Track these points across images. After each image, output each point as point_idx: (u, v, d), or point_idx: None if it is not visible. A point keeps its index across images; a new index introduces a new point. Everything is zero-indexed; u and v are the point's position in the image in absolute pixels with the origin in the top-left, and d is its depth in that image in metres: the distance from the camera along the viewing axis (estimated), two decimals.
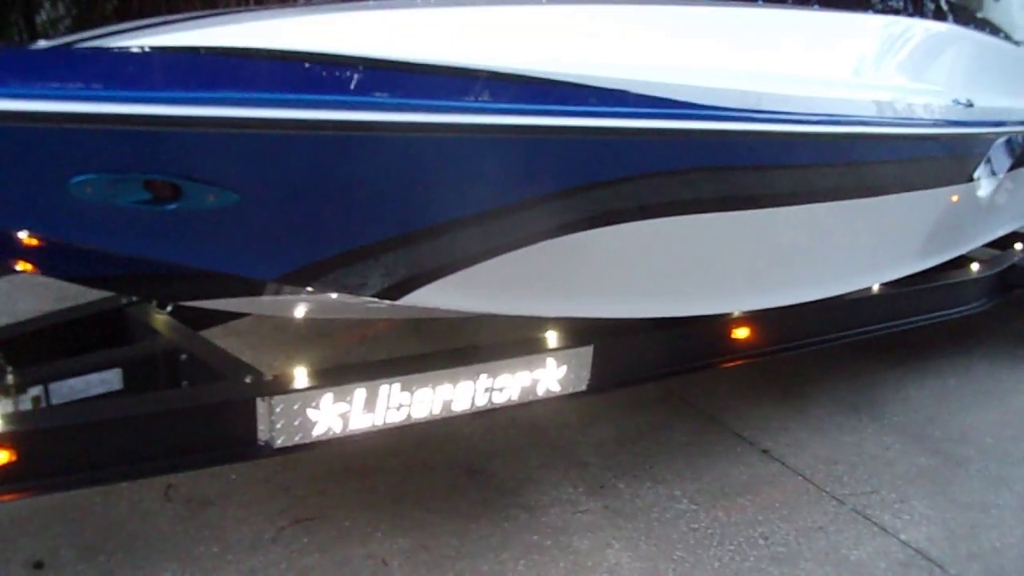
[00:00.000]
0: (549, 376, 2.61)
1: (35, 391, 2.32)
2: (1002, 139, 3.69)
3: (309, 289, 1.95)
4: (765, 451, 3.38)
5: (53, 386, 2.36)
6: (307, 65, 1.63)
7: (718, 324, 2.99)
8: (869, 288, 3.43)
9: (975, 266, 3.93)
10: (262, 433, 2.26)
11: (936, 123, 3.07)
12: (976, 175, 3.53)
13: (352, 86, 1.63)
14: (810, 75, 2.80)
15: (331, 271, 1.88)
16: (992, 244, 4.26)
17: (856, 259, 3.22)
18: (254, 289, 2.03)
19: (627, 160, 2.18)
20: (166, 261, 1.71)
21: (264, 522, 2.73)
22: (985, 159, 3.55)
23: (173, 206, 1.58)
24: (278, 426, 2.26)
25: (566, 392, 2.66)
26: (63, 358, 2.47)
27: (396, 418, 2.39)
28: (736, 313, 3.00)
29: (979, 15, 5.73)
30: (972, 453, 3.49)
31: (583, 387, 2.69)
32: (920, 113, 3.07)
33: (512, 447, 3.27)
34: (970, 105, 3.31)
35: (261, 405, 2.24)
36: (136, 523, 2.71)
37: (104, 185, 1.52)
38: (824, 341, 3.47)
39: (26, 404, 2.29)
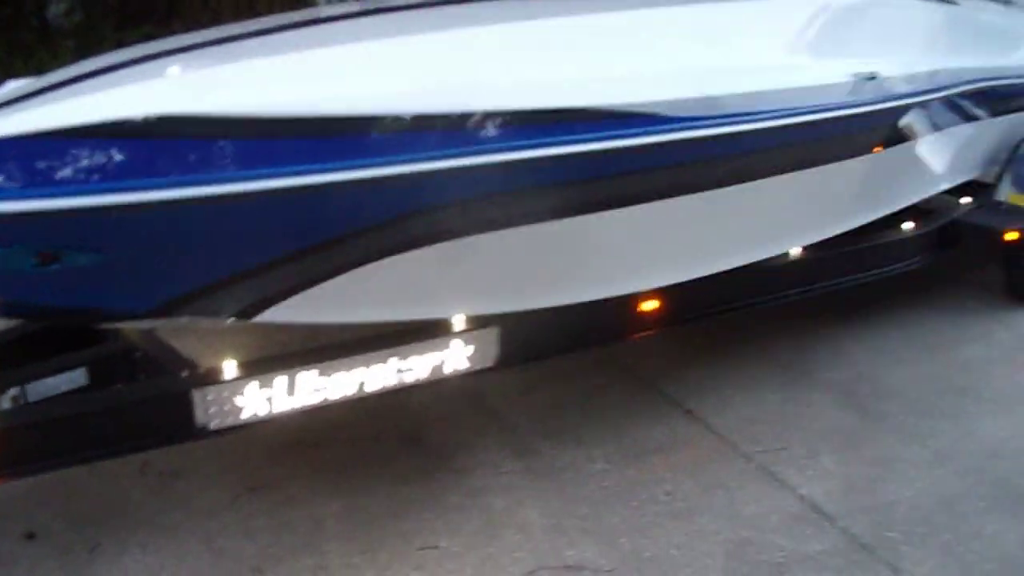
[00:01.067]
0: (456, 356, 2.97)
1: (14, 391, 2.80)
2: (928, 103, 3.90)
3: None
4: (689, 411, 3.70)
5: (29, 386, 2.85)
6: (149, 141, 2.03)
7: (626, 300, 3.27)
8: (789, 253, 3.68)
9: (908, 224, 4.14)
10: (198, 418, 2.69)
11: (828, 107, 3.26)
12: (895, 140, 3.72)
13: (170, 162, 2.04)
14: (708, 68, 3.08)
15: (188, 304, 2.32)
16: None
17: (769, 228, 3.46)
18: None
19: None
20: (56, 305, 2.18)
21: (222, 491, 3.18)
22: (907, 123, 3.75)
23: (56, 266, 2.03)
24: (211, 412, 2.69)
25: (474, 369, 3.01)
26: (39, 361, 2.95)
27: (315, 399, 2.80)
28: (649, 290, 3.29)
29: None
30: (894, 408, 3.76)
31: (490, 363, 3.04)
32: (815, 97, 3.26)
33: (453, 415, 3.66)
34: (872, 78, 3.51)
35: (196, 395, 2.67)
36: (116, 496, 3.19)
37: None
38: (746, 306, 3.78)
39: (7, 403, 2.77)
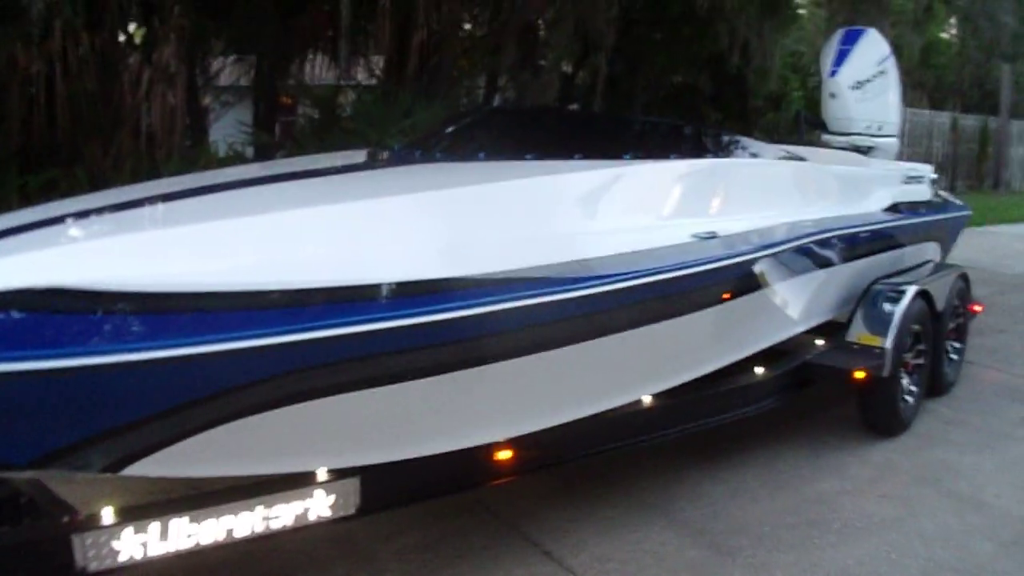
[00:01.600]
0: (319, 504, 3.22)
1: None
2: (775, 255, 4.39)
3: None
4: (547, 552, 3.97)
5: None
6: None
7: (481, 449, 3.54)
8: (642, 400, 4.04)
9: (759, 369, 4.57)
10: (78, 561, 2.91)
11: (662, 269, 3.68)
12: (743, 291, 4.16)
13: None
14: (552, 235, 3.52)
15: (60, 458, 2.62)
16: None
17: (620, 379, 3.83)
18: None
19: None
20: None
21: None
22: (753, 274, 4.19)
23: None
24: (90, 555, 2.92)
25: (337, 516, 3.26)
26: None
27: (187, 544, 3.03)
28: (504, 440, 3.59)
29: (814, 115, 6.46)
30: (745, 543, 4.08)
31: (352, 511, 3.29)
32: (657, 258, 3.69)
33: (324, 557, 3.88)
34: (711, 237, 3.98)
35: (76, 540, 2.90)
36: None
37: None
38: (603, 451, 4.12)
39: None
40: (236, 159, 8.19)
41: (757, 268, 4.20)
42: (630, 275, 3.51)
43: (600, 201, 3.80)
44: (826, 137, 7.30)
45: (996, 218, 16.79)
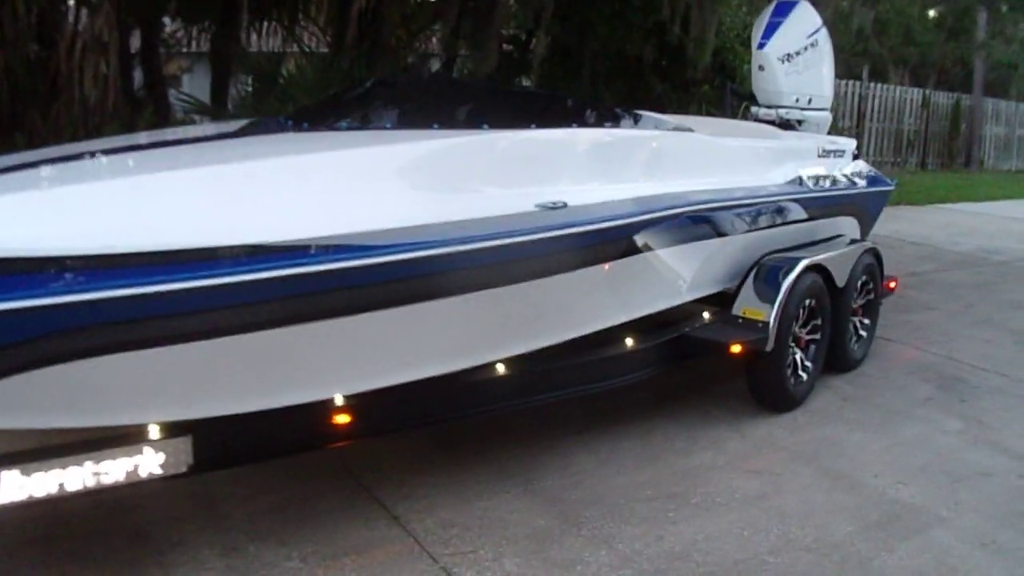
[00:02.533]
0: (150, 461, 3.11)
1: None
2: (651, 224, 4.18)
3: None
4: (395, 516, 3.81)
5: None
6: None
7: (320, 408, 3.42)
8: (494, 365, 3.85)
9: (630, 339, 4.36)
10: None
11: (502, 234, 3.50)
12: (591, 262, 3.94)
13: None
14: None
15: None
16: None
17: (456, 343, 3.63)
18: None
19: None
20: None
21: None
22: (601, 244, 3.96)
23: None
24: None
25: (168, 474, 3.16)
26: None
27: (19, 496, 2.93)
28: (338, 399, 3.43)
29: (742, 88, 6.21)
30: (595, 514, 3.89)
31: (184, 469, 3.18)
32: (475, 228, 3.49)
33: (183, 514, 3.75)
34: (560, 207, 3.79)
35: None
36: None
37: None
38: (456, 417, 3.96)
39: None
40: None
41: (609, 238, 3.98)
42: (436, 244, 3.33)
43: (439, 170, 3.61)
44: (754, 109, 7.05)
45: (960, 196, 16.36)
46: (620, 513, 3.92)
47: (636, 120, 4.63)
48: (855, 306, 5.79)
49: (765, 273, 4.88)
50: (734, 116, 7.12)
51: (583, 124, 4.33)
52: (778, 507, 4.02)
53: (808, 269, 4.99)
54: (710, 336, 4.65)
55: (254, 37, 9.63)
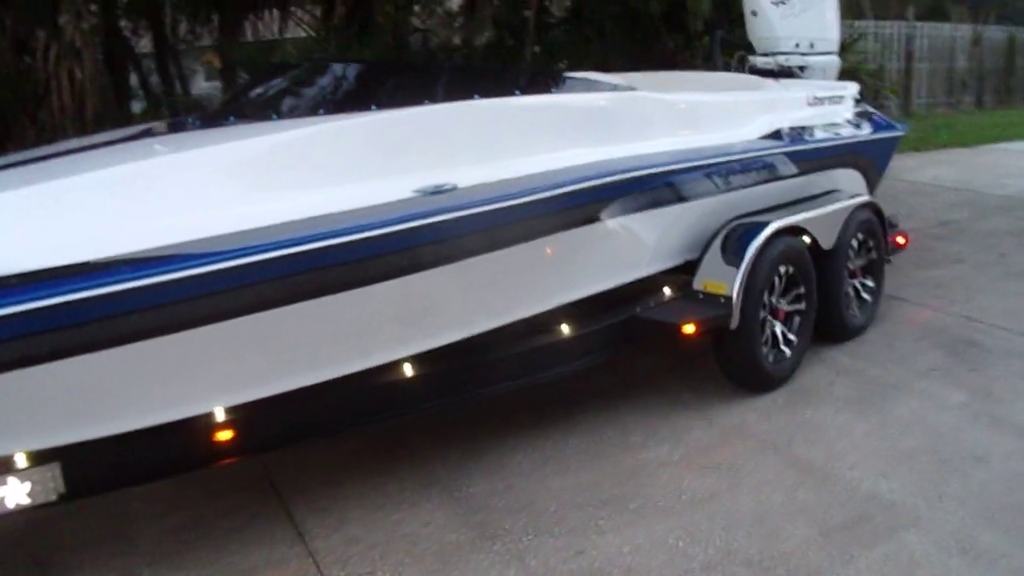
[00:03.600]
0: (16, 492, 2.78)
1: None
2: (592, 192, 3.62)
3: None
4: (301, 533, 3.39)
5: None
6: None
7: (194, 426, 3.00)
8: (398, 365, 3.36)
9: (564, 326, 3.80)
10: None
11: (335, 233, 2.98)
12: (490, 248, 3.39)
13: None
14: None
15: None
16: None
17: (340, 344, 3.16)
18: None
19: None
20: None
21: None
22: (498, 227, 3.40)
23: None
24: None
25: (38, 503, 2.81)
26: None
27: None
28: (217, 413, 3.01)
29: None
30: (517, 525, 3.39)
31: (54, 497, 2.83)
32: (346, 221, 3.02)
33: (91, 537, 3.42)
34: (443, 190, 3.25)
35: None
36: None
37: None
38: (369, 421, 3.50)
39: None
40: None
41: (504, 221, 3.40)
42: (290, 243, 2.87)
43: (289, 164, 3.12)
44: (752, 59, 6.32)
45: (1015, 134, 14.59)
46: (545, 522, 3.40)
47: (563, 84, 4.03)
48: (853, 268, 5.07)
49: (727, 241, 4.23)
50: (726, 68, 6.40)
51: (494, 94, 3.75)
52: (728, 509, 3.44)
53: (780, 233, 4.31)
54: (658, 317, 4.03)
55: (258, 28, 9.25)
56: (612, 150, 3.97)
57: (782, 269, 4.37)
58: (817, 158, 5.06)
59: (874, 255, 5.19)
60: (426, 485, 3.70)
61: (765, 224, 4.25)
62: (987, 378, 4.58)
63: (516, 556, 3.20)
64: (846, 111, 5.63)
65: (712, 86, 5.22)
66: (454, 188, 3.30)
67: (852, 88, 5.83)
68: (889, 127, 5.91)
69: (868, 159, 5.59)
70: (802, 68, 6.22)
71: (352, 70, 4.09)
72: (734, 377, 4.40)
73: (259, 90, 4.32)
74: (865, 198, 5.05)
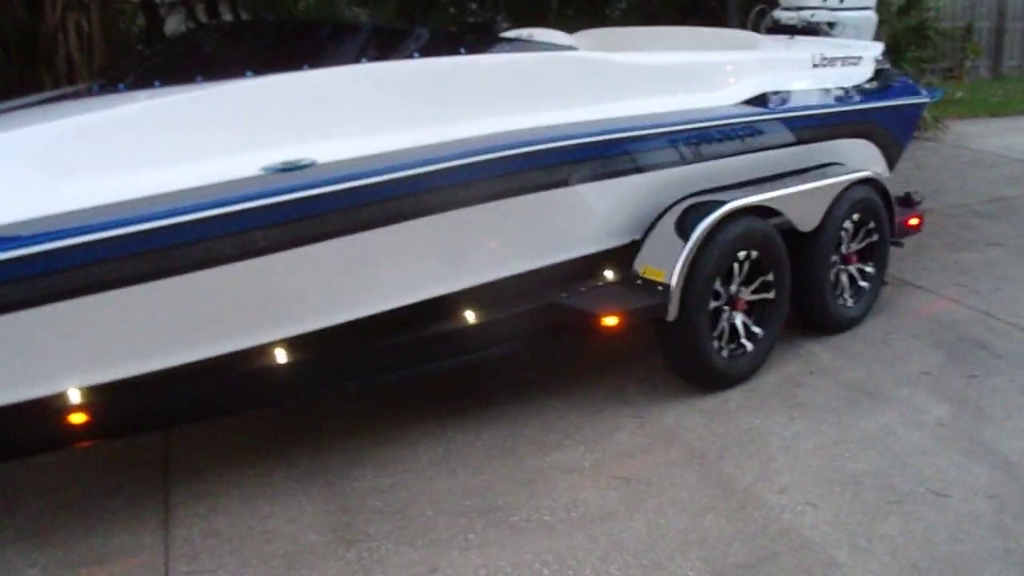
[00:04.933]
0: None
1: None
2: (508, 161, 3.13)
3: None
4: (166, 520, 3.09)
5: None
6: None
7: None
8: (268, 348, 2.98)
9: (469, 313, 3.30)
10: None
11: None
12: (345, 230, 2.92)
13: None
14: None
15: None
16: None
17: (200, 325, 2.81)
18: None
19: None
20: None
21: None
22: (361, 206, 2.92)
23: None
24: None
25: None
26: None
27: None
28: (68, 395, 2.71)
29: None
30: (382, 530, 2.99)
31: None
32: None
33: None
34: (296, 167, 2.80)
35: None
36: None
37: None
38: (237, 408, 3.18)
39: None
40: None
41: (369, 199, 2.91)
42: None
43: (120, 140, 2.74)
44: (776, 14, 5.54)
45: None
46: (412, 530, 2.99)
47: (482, 45, 3.46)
48: (846, 252, 4.35)
49: (672, 220, 3.62)
50: (741, 24, 5.63)
51: (385, 57, 3.22)
52: (616, 533, 2.93)
53: (740, 213, 3.66)
54: (579, 305, 3.47)
55: None
56: (536, 118, 3.40)
57: (741, 254, 3.73)
58: (813, 126, 4.32)
59: (875, 238, 4.45)
60: (312, 475, 3.33)
61: (719, 204, 3.61)
62: (983, 389, 3.85)
63: (364, 568, 2.80)
64: (862, 74, 4.82)
65: (692, 44, 4.54)
66: (311, 164, 2.83)
67: (873, 49, 4.99)
68: (912, 93, 5.06)
69: (884, 128, 4.78)
70: (831, 25, 5.41)
71: (244, 32, 3.64)
72: (680, 373, 3.82)
73: (174, 52, 3.93)
74: (863, 173, 4.30)
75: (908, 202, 4.88)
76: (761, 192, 3.80)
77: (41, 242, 2.42)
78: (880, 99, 4.77)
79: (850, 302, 4.41)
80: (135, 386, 2.76)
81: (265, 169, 2.78)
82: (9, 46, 6.56)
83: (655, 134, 3.66)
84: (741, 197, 3.70)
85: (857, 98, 4.65)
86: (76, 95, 3.46)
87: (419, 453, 3.45)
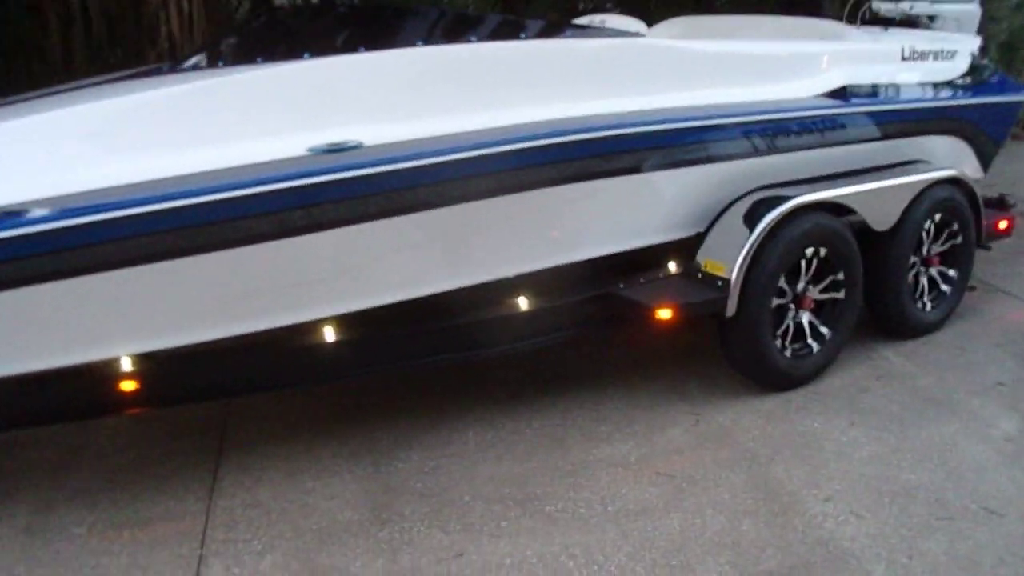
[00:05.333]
0: None
1: None
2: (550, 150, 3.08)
3: None
4: (213, 489, 3.17)
5: None
6: None
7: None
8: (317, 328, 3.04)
9: (522, 301, 3.28)
10: None
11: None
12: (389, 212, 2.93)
13: None
14: None
15: None
16: None
17: (247, 302, 2.87)
18: None
19: None
20: None
21: None
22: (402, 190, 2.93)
23: None
24: None
25: None
26: None
27: None
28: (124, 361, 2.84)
29: None
30: (418, 511, 3.00)
31: None
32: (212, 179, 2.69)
33: (35, 466, 3.36)
34: (343, 148, 2.83)
35: None
36: None
37: None
38: (284, 384, 3.23)
39: None
40: None
41: (420, 181, 2.91)
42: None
43: (202, 115, 2.82)
44: (875, 5, 5.27)
45: None
46: (447, 514, 3.00)
47: (548, 31, 3.40)
48: (927, 254, 4.11)
49: (737, 214, 3.49)
50: (838, 16, 5.37)
51: (438, 41, 3.20)
52: (649, 530, 2.87)
53: (808, 209, 3.51)
54: (635, 296, 3.39)
55: None
56: (599, 104, 3.33)
57: (809, 251, 3.57)
58: (896, 121, 4.09)
59: (959, 240, 4.19)
60: (360, 455, 3.38)
61: (785, 199, 3.46)
62: None
63: (393, 548, 2.82)
64: (955, 69, 4.53)
65: (777, 34, 4.36)
66: (359, 146, 2.84)
67: (969, 43, 4.68)
68: (1010, 90, 4.72)
69: (976, 126, 4.48)
70: (931, 18, 5.12)
71: (311, 14, 3.68)
72: (740, 370, 3.70)
73: (242, 33, 4.00)
74: (948, 172, 4.05)
75: (1002, 204, 4.58)
76: (833, 188, 3.63)
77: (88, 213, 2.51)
78: (973, 95, 4.48)
79: (929, 306, 4.18)
80: (185, 357, 2.85)
81: (311, 150, 2.80)
82: (113, 25, 6.82)
83: (723, 124, 3.54)
84: (810, 192, 3.54)
85: (947, 93, 4.39)
86: (147, 74, 3.57)
87: (467, 438, 3.46)
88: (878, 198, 3.77)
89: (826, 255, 3.64)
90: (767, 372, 3.64)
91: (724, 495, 3.04)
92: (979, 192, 4.23)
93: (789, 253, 3.50)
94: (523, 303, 3.30)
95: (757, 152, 3.63)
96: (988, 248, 4.44)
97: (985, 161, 4.68)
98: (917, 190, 3.91)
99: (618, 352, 4.11)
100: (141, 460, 3.39)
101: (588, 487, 3.11)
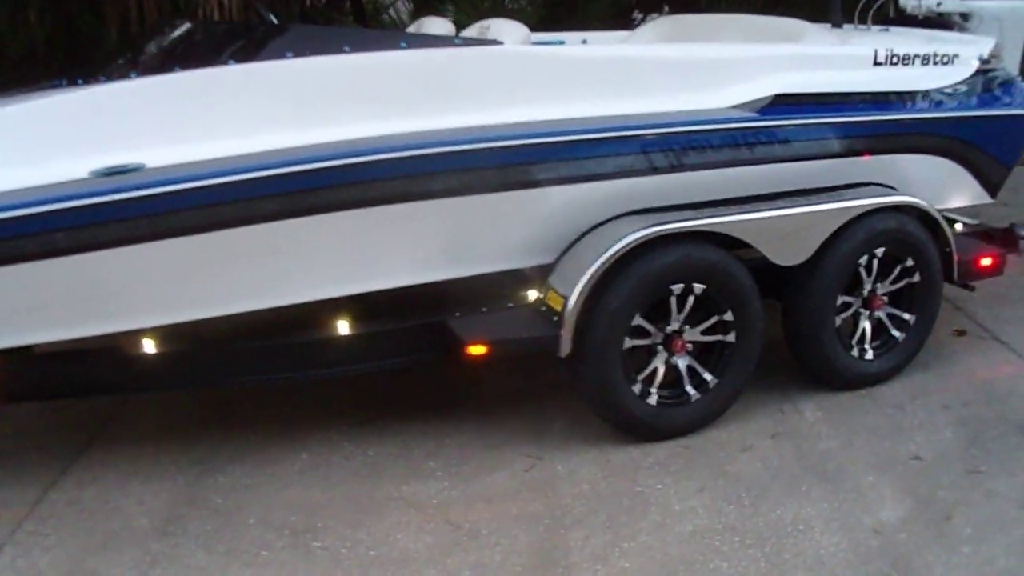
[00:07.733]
0: None
1: None
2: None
3: None
4: (53, 482, 3.19)
5: None
6: None
7: None
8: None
9: (342, 324, 3.06)
10: None
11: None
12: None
13: None
14: None
15: None
16: None
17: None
18: None
19: None
20: None
21: None
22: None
23: None
24: None
25: None
26: None
27: None
28: None
29: None
30: (205, 528, 2.88)
31: None
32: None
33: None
34: (124, 170, 2.70)
35: None
36: None
37: None
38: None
39: None
40: None
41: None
42: None
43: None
44: (903, 2, 4.45)
45: None
46: (223, 535, 2.86)
47: (379, 41, 3.07)
48: (869, 294, 3.42)
49: (589, 242, 3.04)
50: (847, 14, 4.57)
51: (250, 58, 2.96)
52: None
53: (675, 239, 3.00)
54: (458, 327, 3.04)
55: None
56: (438, 120, 2.99)
57: (677, 287, 3.06)
58: (844, 137, 3.40)
59: (916, 278, 3.44)
60: (196, 463, 3.27)
61: (636, 228, 2.97)
62: (977, 492, 2.87)
63: (151, 562, 2.72)
64: (949, 77, 3.68)
65: (737, 35, 3.77)
66: (140, 168, 2.71)
67: (977, 46, 3.78)
68: (1021, 101, 3.78)
69: (972, 144, 3.64)
70: (964, 17, 4.26)
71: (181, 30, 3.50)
72: (598, 416, 3.24)
73: (128, 46, 3.94)
74: (897, 198, 3.32)
75: (1008, 237, 3.72)
76: (707, 216, 3.07)
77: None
78: (967, 108, 3.64)
79: (870, 354, 3.48)
80: None
81: (93, 172, 2.70)
82: (144, 14, 6.94)
83: (583, 140, 3.08)
84: (675, 220, 3.02)
85: (926, 105, 3.59)
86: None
87: (299, 459, 3.30)
88: (777, 228, 3.16)
89: (704, 292, 3.10)
90: (621, 420, 3.20)
91: (496, 556, 2.69)
92: (963, 222, 3.46)
93: (646, 288, 3.02)
94: (342, 328, 3.08)
95: (633, 172, 3.14)
96: (971, 288, 3.63)
97: (990, 185, 3.81)
98: (843, 219, 3.24)
99: (496, 383, 3.76)
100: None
101: (368, 526, 2.87)
